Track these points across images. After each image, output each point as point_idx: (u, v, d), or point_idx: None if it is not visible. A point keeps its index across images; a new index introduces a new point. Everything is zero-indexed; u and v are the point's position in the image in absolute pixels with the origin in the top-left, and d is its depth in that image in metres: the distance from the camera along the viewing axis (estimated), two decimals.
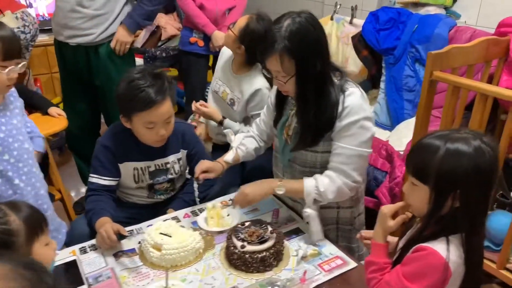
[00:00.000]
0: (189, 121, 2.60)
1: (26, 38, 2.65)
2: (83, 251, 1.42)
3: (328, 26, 3.24)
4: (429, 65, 1.71)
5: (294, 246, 1.43)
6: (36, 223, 1.01)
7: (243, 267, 1.31)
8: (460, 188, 0.96)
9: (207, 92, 2.55)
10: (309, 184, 1.40)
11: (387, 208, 1.12)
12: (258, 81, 1.96)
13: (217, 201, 1.65)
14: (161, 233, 1.37)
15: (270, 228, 1.39)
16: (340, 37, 3.16)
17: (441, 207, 0.98)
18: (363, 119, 1.35)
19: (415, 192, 1.04)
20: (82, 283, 1.26)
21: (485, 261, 1.72)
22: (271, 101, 1.58)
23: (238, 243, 1.33)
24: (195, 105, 2.10)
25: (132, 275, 1.31)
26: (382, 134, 2.57)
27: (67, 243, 1.57)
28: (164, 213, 1.66)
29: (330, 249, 1.43)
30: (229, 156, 1.66)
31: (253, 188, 1.46)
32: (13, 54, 1.32)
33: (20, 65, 1.35)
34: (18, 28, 2.60)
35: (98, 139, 1.65)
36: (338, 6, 3.24)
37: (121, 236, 1.38)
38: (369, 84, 2.85)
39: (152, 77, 1.49)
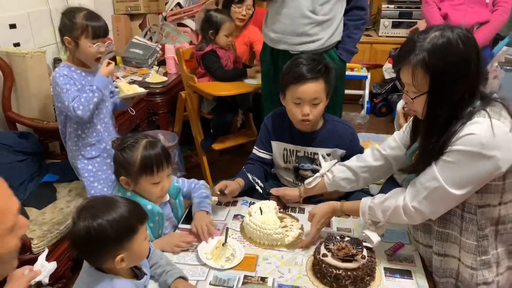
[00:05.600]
0: None
1: None
2: (219, 203, 1.72)
3: None
4: None
5: (391, 285, 1.29)
6: (149, 164, 1.34)
7: (319, 275, 1.30)
8: None
9: None
10: (365, 200, 1.30)
11: None
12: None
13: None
14: (260, 208, 1.51)
15: (365, 253, 1.30)
16: None
17: None
18: (476, 154, 1.09)
19: None
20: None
21: None
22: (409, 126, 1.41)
23: (323, 251, 1.31)
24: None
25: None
26: None
27: None
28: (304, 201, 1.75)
29: None
30: (310, 181, 1.60)
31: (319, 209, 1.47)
32: (99, 35, 1.78)
33: (106, 43, 1.82)
34: None
35: None
36: None
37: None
38: None
39: (310, 58, 1.65)
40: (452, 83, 1.11)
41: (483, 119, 1.09)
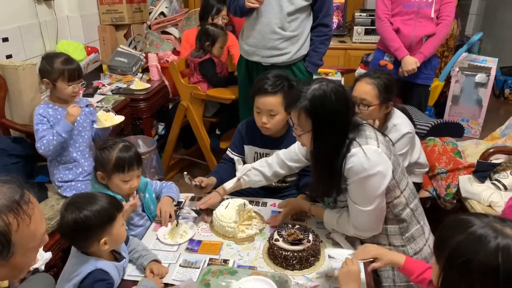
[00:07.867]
0: None
1: None
2: (192, 198, 1.96)
3: None
4: None
5: (332, 265, 1.53)
6: (121, 164, 1.59)
7: (272, 257, 1.54)
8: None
9: None
10: (328, 214, 1.62)
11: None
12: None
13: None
14: (229, 203, 1.75)
15: (310, 238, 1.54)
16: None
17: None
18: (365, 177, 1.42)
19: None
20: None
21: None
22: None
23: (275, 236, 1.55)
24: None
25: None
26: None
27: None
28: (277, 198, 2.00)
29: None
30: (229, 184, 1.86)
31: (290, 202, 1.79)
32: (74, 78, 2.02)
33: (80, 84, 2.08)
34: None
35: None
36: None
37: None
38: None
39: (276, 75, 1.89)
40: (327, 126, 1.43)
41: (356, 149, 1.42)
